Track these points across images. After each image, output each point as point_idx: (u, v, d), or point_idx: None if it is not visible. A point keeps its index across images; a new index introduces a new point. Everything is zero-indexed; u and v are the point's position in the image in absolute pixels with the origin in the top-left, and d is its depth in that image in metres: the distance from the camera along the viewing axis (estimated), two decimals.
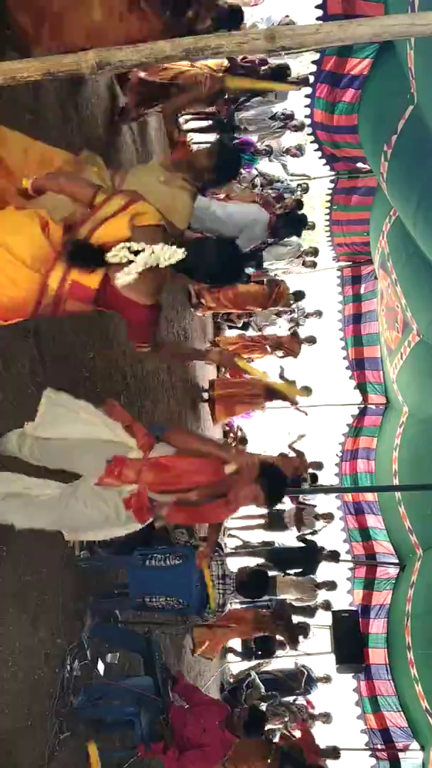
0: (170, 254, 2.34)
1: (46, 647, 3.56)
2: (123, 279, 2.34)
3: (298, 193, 9.80)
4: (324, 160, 7.97)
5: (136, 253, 2.33)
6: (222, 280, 2.96)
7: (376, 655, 7.61)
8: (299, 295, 10.11)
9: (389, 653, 7.43)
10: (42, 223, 2.37)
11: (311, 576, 8.36)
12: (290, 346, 9.54)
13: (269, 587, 6.75)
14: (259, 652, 8.45)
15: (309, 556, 8.16)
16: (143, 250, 2.32)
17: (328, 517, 9.28)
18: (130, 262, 2.32)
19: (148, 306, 2.52)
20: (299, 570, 8.35)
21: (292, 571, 8.39)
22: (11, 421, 3.17)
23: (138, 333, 2.70)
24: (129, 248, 2.32)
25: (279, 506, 9.82)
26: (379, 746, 7.54)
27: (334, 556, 8.18)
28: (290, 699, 8.81)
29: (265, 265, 9.45)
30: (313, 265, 10.21)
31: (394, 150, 5.56)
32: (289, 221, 7.50)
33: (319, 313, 10.29)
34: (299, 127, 8.06)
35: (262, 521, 9.52)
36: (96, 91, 5.06)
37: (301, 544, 8.77)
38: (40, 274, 2.35)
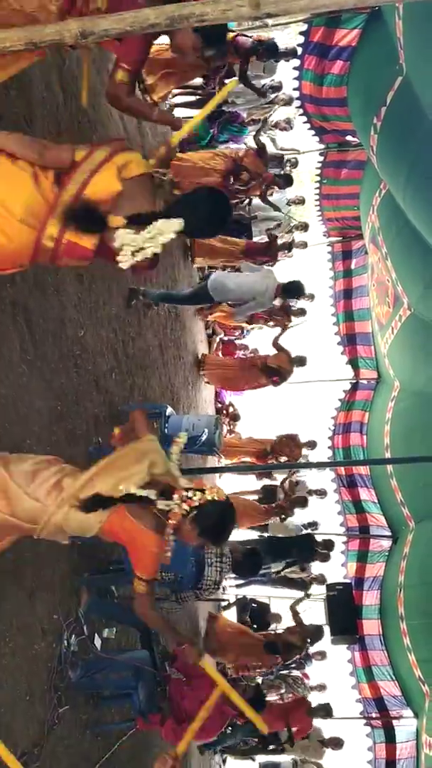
0: (168, 229, 2.35)
1: (43, 623, 3.59)
2: (126, 261, 2.36)
3: (288, 168, 9.73)
4: (313, 132, 7.91)
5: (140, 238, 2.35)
6: (207, 231, 2.85)
7: (370, 626, 7.72)
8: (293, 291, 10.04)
9: (383, 624, 7.54)
10: (33, 174, 2.31)
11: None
12: (280, 317, 9.43)
13: (261, 562, 6.76)
14: (255, 626, 8.52)
15: (303, 546, 8.08)
16: (143, 247, 2.35)
17: (322, 493, 9.34)
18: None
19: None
20: (293, 560, 8.40)
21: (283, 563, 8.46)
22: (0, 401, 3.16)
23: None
24: (132, 239, 2.33)
25: (272, 482, 9.91)
26: (373, 715, 7.68)
27: (327, 547, 8.17)
28: (285, 671, 8.93)
29: (255, 240, 9.41)
30: (304, 245, 10.16)
31: (383, 122, 5.53)
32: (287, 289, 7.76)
33: (311, 297, 10.23)
34: (288, 102, 7.98)
35: (256, 497, 9.56)
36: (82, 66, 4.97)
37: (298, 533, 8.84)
38: (34, 229, 2.31)
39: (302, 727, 7.01)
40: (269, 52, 7.20)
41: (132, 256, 2.34)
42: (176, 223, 2.36)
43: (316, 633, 7.70)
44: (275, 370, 8.74)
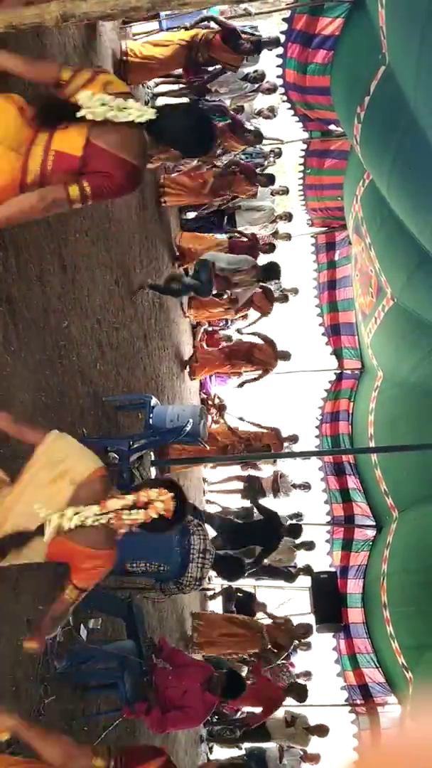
0: (142, 111, 2.29)
1: (28, 613, 3.58)
2: (86, 113, 2.26)
3: (271, 159, 9.71)
4: (297, 118, 7.91)
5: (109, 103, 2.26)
6: (192, 147, 2.70)
7: (354, 615, 7.79)
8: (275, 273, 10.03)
9: (366, 612, 7.61)
10: (17, 105, 2.28)
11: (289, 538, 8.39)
12: (261, 304, 9.41)
13: (244, 573, 6.69)
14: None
15: (268, 531, 7.67)
16: (112, 103, 2.26)
17: (306, 487, 9.37)
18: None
19: (131, 166, 2.39)
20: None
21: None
22: None
23: (102, 180, 2.45)
24: (102, 102, 2.24)
25: (256, 473, 9.92)
26: (358, 701, 7.76)
27: (294, 531, 8.09)
28: None
29: (239, 230, 9.39)
30: (288, 237, 10.16)
31: (366, 112, 5.52)
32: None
33: (295, 291, 10.23)
34: (272, 90, 7.95)
35: (240, 485, 9.58)
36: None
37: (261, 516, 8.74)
38: (19, 153, 2.26)
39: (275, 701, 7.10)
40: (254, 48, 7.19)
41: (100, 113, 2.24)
42: (150, 112, 2.29)
43: (305, 631, 7.76)
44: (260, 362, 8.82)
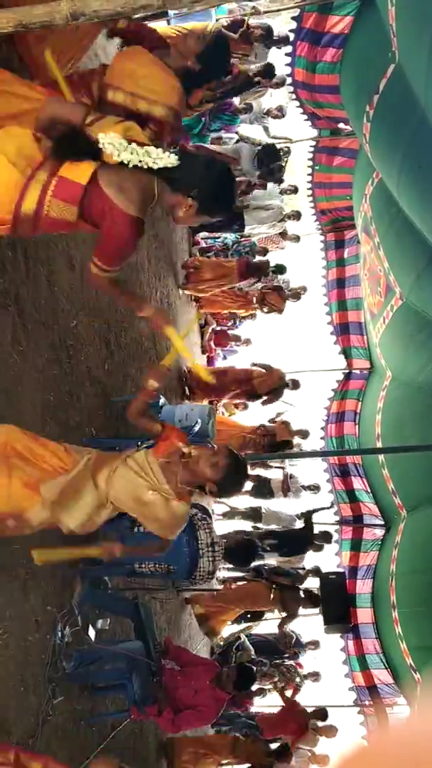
0: (162, 157, 2.24)
1: (36, 614, 3.58)
2: (110, 150, 2.24)
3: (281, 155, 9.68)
4: (305, 116, 7.87)
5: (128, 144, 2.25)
6: (209, 202, 2.54)
7: (364, 615, 7.75)
8: (280, 269, 10.02)
9: (375, 612, 7.57)
10: (36, 135, 2.29)
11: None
12: (274, 301, 9.41)
13: (256, 556, 6.75)
14: (248, 615, 8.55)
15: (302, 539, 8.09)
16: (137, 145, 2.24)
17: (315, 488, 9.35)
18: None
19: (130, 218, 2.34)
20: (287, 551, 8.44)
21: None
22: None
23: (107, 250, 2.44)
24: (128, 147, 2.22)
25: (266, 474, 9.90)
26: (366, 703, 7.72)
27: (326, 539, 8.22)
28: (279, 660, 8.97)
29: (247, 229, 9.37)
30: (297, 239, 10.13)
31: (376, 110, 5.48)
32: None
33: (303, 289, 10.21)
34: (280, 83, 7.92)
35: (249, 484, 9.55)
36: None
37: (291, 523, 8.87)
38: (24, 174, 2.24)
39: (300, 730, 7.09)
40: (264, 35, 7.18)
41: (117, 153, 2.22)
42: (172, 159, 2.25)
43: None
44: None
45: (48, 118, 2.31)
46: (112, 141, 2.21)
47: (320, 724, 7.40)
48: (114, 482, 2.59)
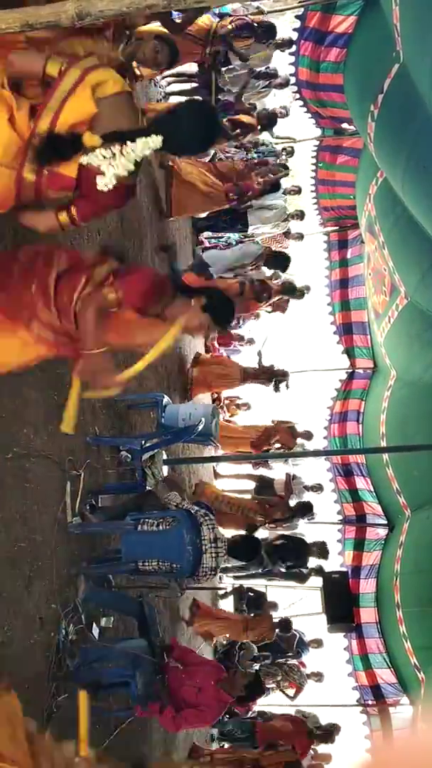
0: (146, 145, 2.22)
1: (40, 612, 3.59)
2: (105, 183, 2.24)
3: (283, 157, 9.67)
4: (309, 115, 7.88)
5: (113, 154, 2.22)
6: (193, 147, 2.55)
7: (367, 614, 7.76)
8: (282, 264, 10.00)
9: (379, 612, 7.57)
10: (8, 113, 2.21)
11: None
12: (278, 300, 9.40)
13: (260, 552, 6.75)
14: (252, 614, 8.55)
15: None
16: (116, 153, 2.21)
17: (318, 488, 9.32)
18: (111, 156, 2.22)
19: (123, 187, 2.35)
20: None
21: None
22: None
23: (89, 209, 2.44)
24: (103, 155, 2.20)
25: (269, 474, 9.87)
26: (369, 702, 7.73)
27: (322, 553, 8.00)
28: (282, 660, 8.96)
29: (251, 229, 9.36)
30: (300, 237, 10.12)
31: (380, 110, 5.49)
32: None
33: (307, 288, 10.20)
34: (284, 84, 7.92)
35: (252, 484, 9.54)
36: None
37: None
38: (13, 169, 2.23)
39: (303, 751, 7.01)
40: (267, 33, 7.18)
41: (112, 176, 2.21)
42: (156, 140, 2.22)
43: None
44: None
45: (12, 76, 2.26)
46: (91, 160, 2.22)
47: (320, 749, 7.33)
48: None
